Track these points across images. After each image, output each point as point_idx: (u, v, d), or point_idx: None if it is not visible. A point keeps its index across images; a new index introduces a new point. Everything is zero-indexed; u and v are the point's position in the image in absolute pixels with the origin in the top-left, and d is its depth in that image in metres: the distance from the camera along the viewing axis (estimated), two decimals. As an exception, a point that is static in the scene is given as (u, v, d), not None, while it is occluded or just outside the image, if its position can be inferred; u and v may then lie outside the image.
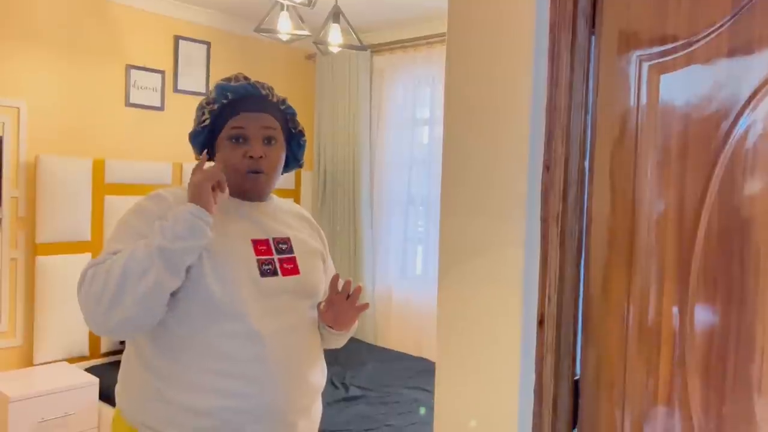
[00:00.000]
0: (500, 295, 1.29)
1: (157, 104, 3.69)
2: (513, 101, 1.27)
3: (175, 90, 3.78)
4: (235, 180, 1.40)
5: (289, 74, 4.37)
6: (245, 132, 1.39)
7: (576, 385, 1.31)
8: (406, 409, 2.90)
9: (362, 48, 3.31)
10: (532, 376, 1.29)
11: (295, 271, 1.42)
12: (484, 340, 1.32)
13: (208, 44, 3.91)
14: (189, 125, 4.06)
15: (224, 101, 1.41)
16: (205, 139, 1.45)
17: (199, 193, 1.27)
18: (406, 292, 4.13)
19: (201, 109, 1.44)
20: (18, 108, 3.15)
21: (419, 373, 3.41)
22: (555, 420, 1.29)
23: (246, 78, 1.43)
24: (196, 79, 3.87)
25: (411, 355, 3.81)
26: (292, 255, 1.43)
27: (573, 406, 1.31)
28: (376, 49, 4.15)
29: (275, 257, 1.40)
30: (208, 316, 1.30)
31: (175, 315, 1.31)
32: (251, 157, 1.38)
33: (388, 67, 4.19)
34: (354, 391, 3.12)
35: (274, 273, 1.38)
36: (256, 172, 1.40)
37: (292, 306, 1.40)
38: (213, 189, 1.29)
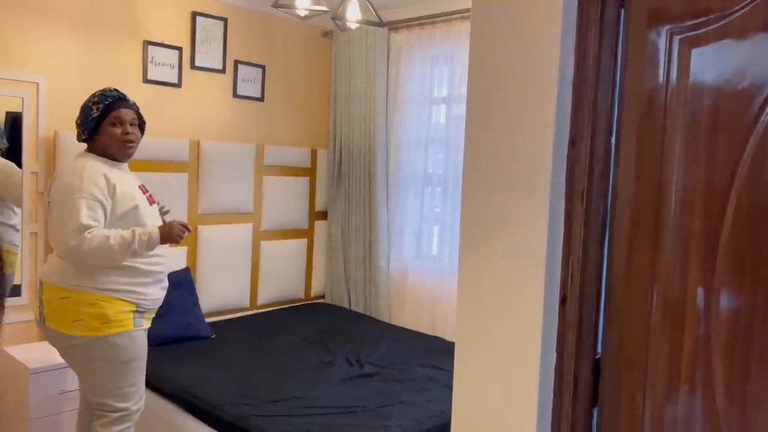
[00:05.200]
0: (522, 271, 1.28)
1: (175, 81, 3.68)
2: (539, 74, 1.25)
3: (192, 67, 3.76)
4: (118, 148, 2.40)
5: (305, 52, 4.34)
6: (121, 119, 2.40)
7: (597, 364, 1.30)
8: (420, 386, 2.91)
9: (380, 24, 3.27)
10: (553, 354, 1.28)
11: (153, 201, 2.52)
12: (505, 317, 1.32)
13: (226, 20, 3.88)
14: (207, 102, 4.00)
15: (106, 102, 2.38)
16: (94, 126, 2.38)
17: (168, 238, 2.38)
18: (421, 271, 4.12)
19: (89, 108, 2.39)
20: (37, 83, 3.16)
21: (434, 351, 3.42)
22: (575, 399, 1.28)
23: (117, 90, 2.47)
24: (214, 56, 3.85)
25: (426, 334, 3.82)
26: (148, 193, 2.52)
27: (594, 385, 1.30)
28: (394, 26, 4.10)
29: (147, 195, 2.48)
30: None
31: None
32: (126, 133, 2.41)
33: (406, 45, 4.13)
34: (368, 368, 3.14)
35: (151, 204, 2.49)
36: (131, 142, 2.43)
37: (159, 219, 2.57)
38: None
